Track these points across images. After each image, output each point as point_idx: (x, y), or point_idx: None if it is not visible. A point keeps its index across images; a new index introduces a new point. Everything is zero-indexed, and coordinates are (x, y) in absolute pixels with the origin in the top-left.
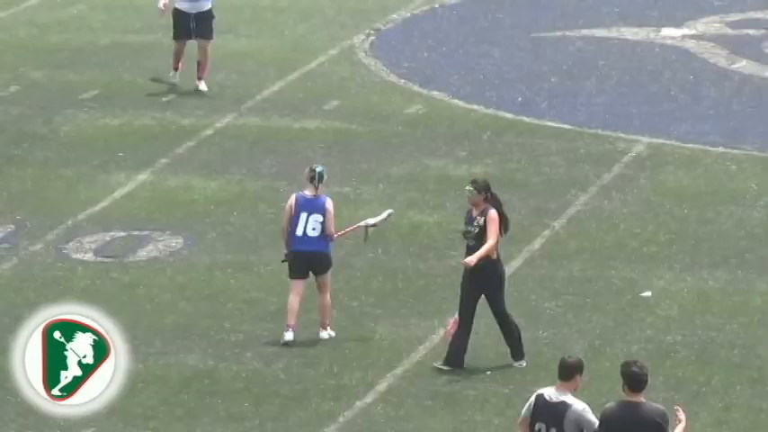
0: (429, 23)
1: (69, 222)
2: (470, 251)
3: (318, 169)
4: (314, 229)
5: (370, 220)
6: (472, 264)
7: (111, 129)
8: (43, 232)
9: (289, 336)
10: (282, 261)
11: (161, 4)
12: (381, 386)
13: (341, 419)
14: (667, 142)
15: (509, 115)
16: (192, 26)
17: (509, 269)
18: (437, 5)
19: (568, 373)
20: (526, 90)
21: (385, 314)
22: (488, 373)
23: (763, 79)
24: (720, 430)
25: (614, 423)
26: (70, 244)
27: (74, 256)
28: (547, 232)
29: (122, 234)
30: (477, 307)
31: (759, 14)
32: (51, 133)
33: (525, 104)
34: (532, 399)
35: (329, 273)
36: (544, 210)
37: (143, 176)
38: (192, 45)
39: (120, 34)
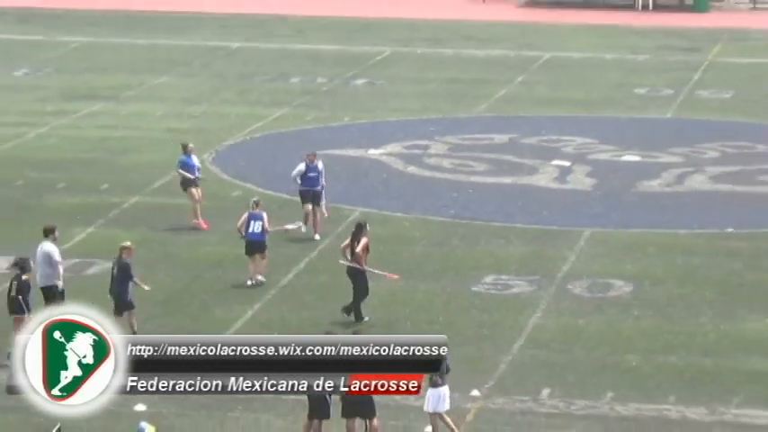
0: (244, 147)
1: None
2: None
3: (254, 199)
4: (257, 228)
5: (288, 226)
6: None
7: (73, 204)
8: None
9: (249, 282)
10: (241, 237)
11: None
12: None
13: None
14: (372, 211)
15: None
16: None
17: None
18: (248, 138)
19: None
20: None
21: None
22: None
23: (423, 176)
24: None
25: None
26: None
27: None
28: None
29: (78, 260)
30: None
31: (421, 142)
32: (40, 206)
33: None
34: None
35: (265, 251)
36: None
37: (90, 230)
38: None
39: (79, 153)
